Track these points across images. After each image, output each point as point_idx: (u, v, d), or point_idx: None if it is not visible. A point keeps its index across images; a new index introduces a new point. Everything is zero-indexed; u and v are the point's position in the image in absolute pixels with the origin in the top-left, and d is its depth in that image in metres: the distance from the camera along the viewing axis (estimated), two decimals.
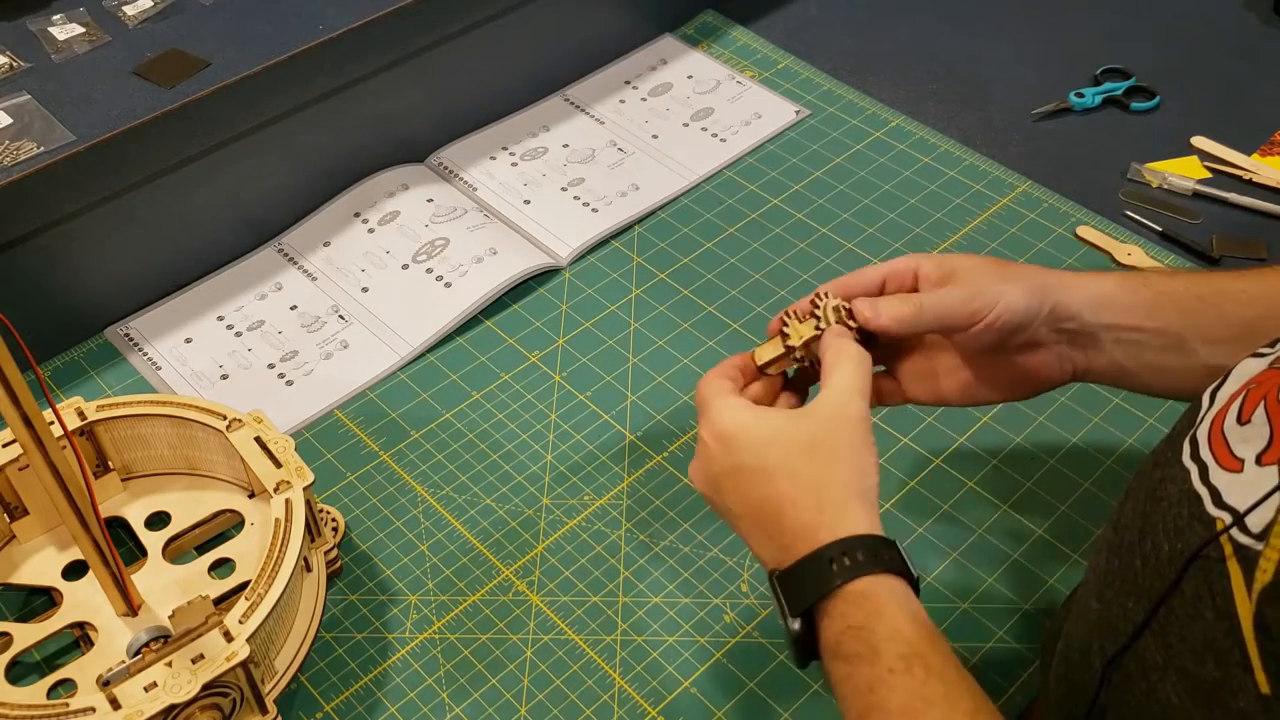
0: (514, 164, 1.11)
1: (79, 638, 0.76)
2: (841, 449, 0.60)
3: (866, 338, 0.66)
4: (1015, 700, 0.73)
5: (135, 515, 0.81)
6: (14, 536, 0.80)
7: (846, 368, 0.63)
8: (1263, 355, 0.54)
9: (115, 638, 0.74)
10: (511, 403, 0.92)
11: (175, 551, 0.80)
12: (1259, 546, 0.44)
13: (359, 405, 0.92)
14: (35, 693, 0.72)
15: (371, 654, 0.77)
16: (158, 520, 0.81)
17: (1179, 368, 0.69)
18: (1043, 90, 1.15)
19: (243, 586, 0.76)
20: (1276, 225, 1.02)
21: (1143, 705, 0.51)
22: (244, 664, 0.67)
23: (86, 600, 0.76)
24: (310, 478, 0.76)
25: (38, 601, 0.80)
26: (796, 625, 0.58)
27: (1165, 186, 1.05)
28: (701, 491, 0.65)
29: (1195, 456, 0.51)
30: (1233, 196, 1.04)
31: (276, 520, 0.73)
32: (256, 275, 1.02)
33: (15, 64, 0.95)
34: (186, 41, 0.96)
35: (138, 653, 0.72)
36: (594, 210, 1.06)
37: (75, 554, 0.78)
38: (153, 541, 0.79)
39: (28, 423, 0.63)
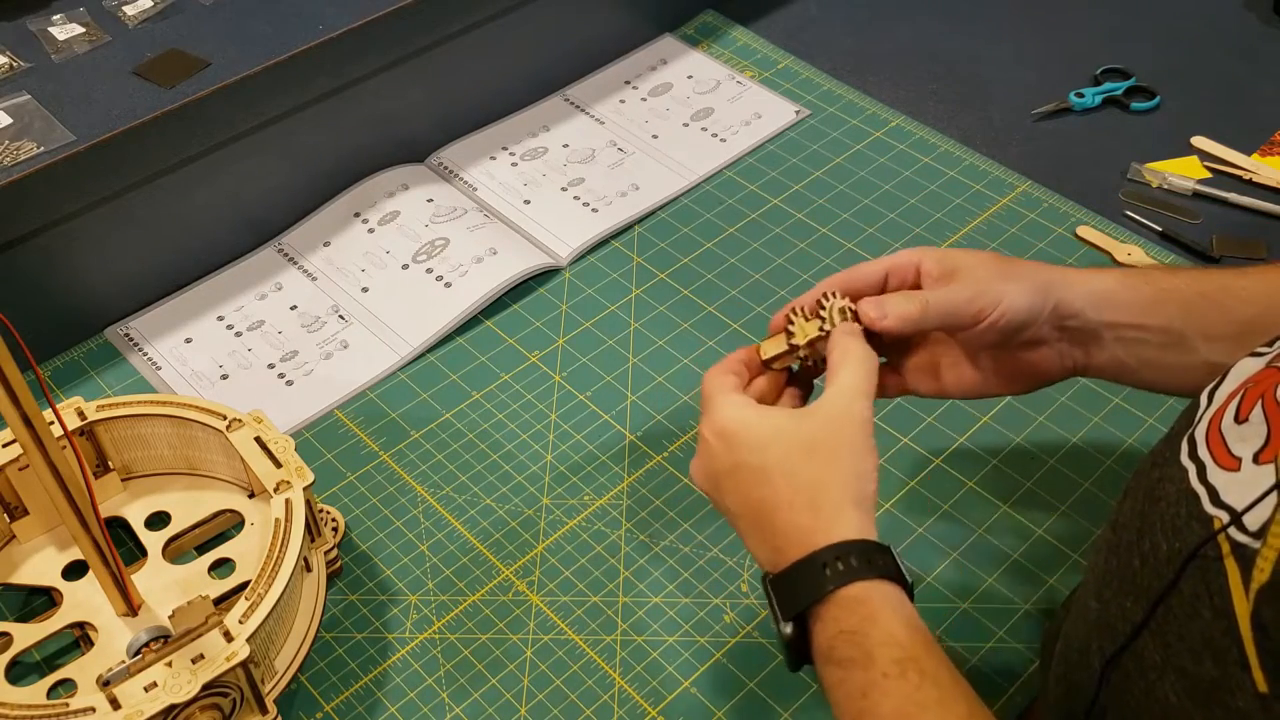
0: (514, 164, 1.11)
1: (79, 638, 0.76)
2: (841, 451, 0.60)
3: (870, 331, 0.66)
4: (1015, 700, 0.73)
5: (135, 515, 0.81)
6: (14, 536, 0.80)
7: (853, 368, 0.63)
8: (1261, 354, 0.54)
9: (115, 638, 0.74)
10: (511, 403, 0.92)
11: (175, 551, 0.80)
12: (1256, 545, 0.44)
13: (359, 405, 0.92)
14: (35, 693, 0.72)
15: (371, 654, 0.77)
16: (158, 520, 0.81)
17: (1179, 365, 0.69)
18: (1043, 90, 1.15)
19: (243, 586, 0.76)
20: (1276, 225, 1.02)
21: (1142, 705, 0.51)
22: (244, 664, 0.67)
23: (86, 600, 0.76)
24: (310, 478, 0.76)
25: (38, 601, 0.80)
26: (789, 630, 0.59)
27: (1165, 186, 1.05)
28: (702, 488, 0.65)
29: (1193, 455, 0.51)
30: (1233, 196, 1.04)
31: (276, 520, 0.73)
32: (256, 275, 1.02)
33: (15, 64, 0.95)
34: (186, 41, 0.96)
35: (138, 653, 0.72)
36: (594, 210, 1.06)
37: (75, 554, 0.78)
38: (153, 541, 0.79)
39: (28, 423, 0.63)
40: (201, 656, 0.66)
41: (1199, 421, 0.52)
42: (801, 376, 0.69)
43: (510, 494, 0.86)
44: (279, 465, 0.77)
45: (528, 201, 1.07)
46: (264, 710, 0.70)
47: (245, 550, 0.79)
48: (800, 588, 0.58)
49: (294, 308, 0.99)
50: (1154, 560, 0.50)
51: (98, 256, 0.94)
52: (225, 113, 0.94)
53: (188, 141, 0.93)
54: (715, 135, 1.13)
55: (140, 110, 0.90)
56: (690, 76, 1.20)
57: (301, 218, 1.05)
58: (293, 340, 0.96)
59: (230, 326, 0.98)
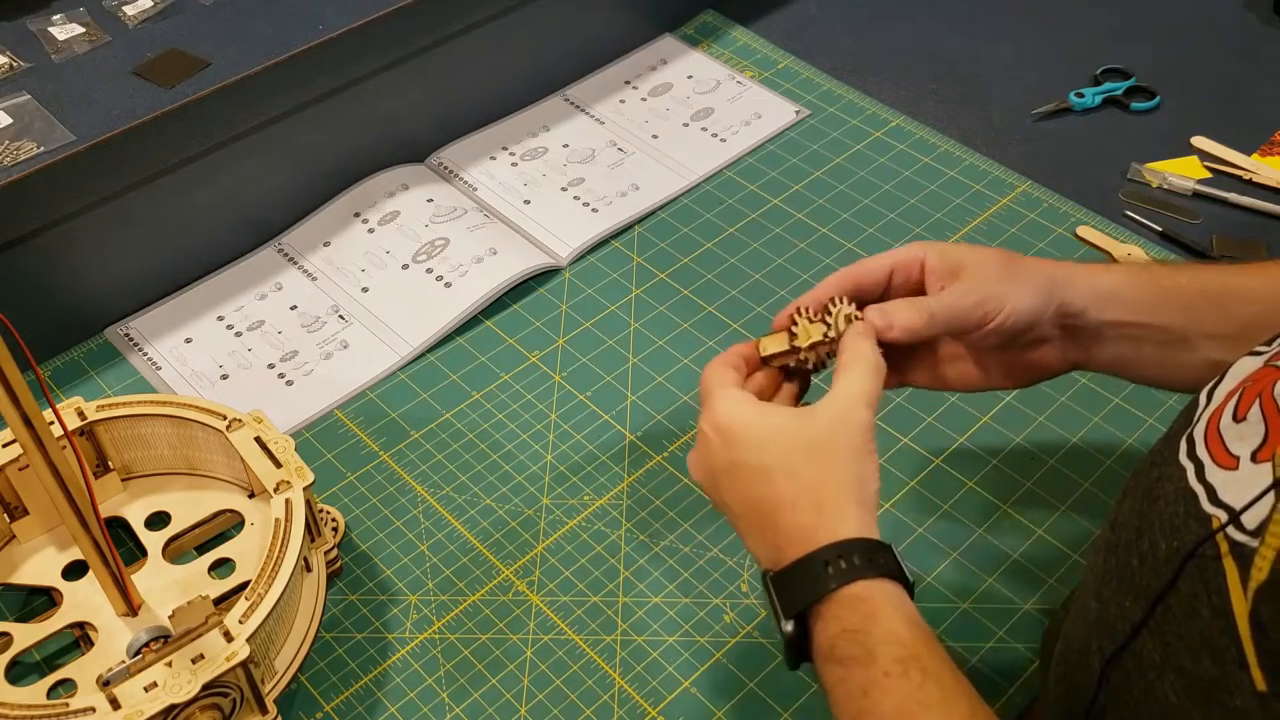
0: (514, 164, 1.11)
1: (79, 638, 0.76)
2: (842, 454, 0.60)
3: None
4: (1015, 700, 0.73)
5: (135, 515, 0.81)
6: (14, 536, 0.80)
7: (861, 373, 0.62)
8: (1259, 353, 0.54)
9: (115, 638, 0.74)
10: (511, 403, 0.92)
11: (175, 551, 0.80)
12: (1254, 543, 0.44)
13: (359, 405, 0.92)
14: (35, 693, 0.72)
15: (371, 654, 0.77)
16: (158, 520, 0.81)
17: (1180, 363, 0.69)
18: (1043, 90, 1.15)
19: (243, 586, 0.76)
20: (1276, 225, 1.02)
21: (1141, 704, 0.51)
22: (244, 664, 0.67)
23: (86, 600, 0.76)
24: (310, 478, 0.76)
25: (38, 601, 0.80)
26: (790, 627, 0.58)
27: (1165, 186, 1.05)
28: (699, 483, 0.65)
29: (1191, 454, 0.51)
30: (1233, 196, 1.04)
31: (276, 520, 0.73)
32: (256, 275, 1.02)
33: (15, 64, 0.95)
34: (186, 41, 0.96)
35: (138, 653, 0.72)
36: (594, 210, 1.06)
37: (75, 554, 0.78)
38: (153, 541, 0.79)
39: (28, 423, 0.63)
40: (201, 656, 0.66)
41: (1197, 420, 0.52)
42: (799, 372, 0.69)
43: (510, 494, 0.86)
44: (279, 465, 0.77)
45: (528, 201, 1.07)
46: (264, 710, 0.70)
47: (245, 550, 0.79)
48: (802, 586, 0.58)
49: (294, 308, 0.99)
50: (1153, 559, 0.50)
51: (98, 256, 0.94)
52: (225, 113, 0.94)
53: (188, 141, 0.93)
54: (715, 135, 1.13)
55: (140, 110, 0.90)
56: (690, 76, 1.20)
57: (301, 218, 1.05)
58: (293, 340, 0.96)
59: (230, 326, 0.98)
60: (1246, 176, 1.06)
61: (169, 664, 0.66)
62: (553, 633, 0.78)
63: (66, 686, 0.73)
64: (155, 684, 0.65)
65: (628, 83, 1.20)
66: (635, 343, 0.96)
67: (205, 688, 0.66)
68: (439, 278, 1.00)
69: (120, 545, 0.81)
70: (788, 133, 1.13)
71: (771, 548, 0.60)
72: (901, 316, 0.65)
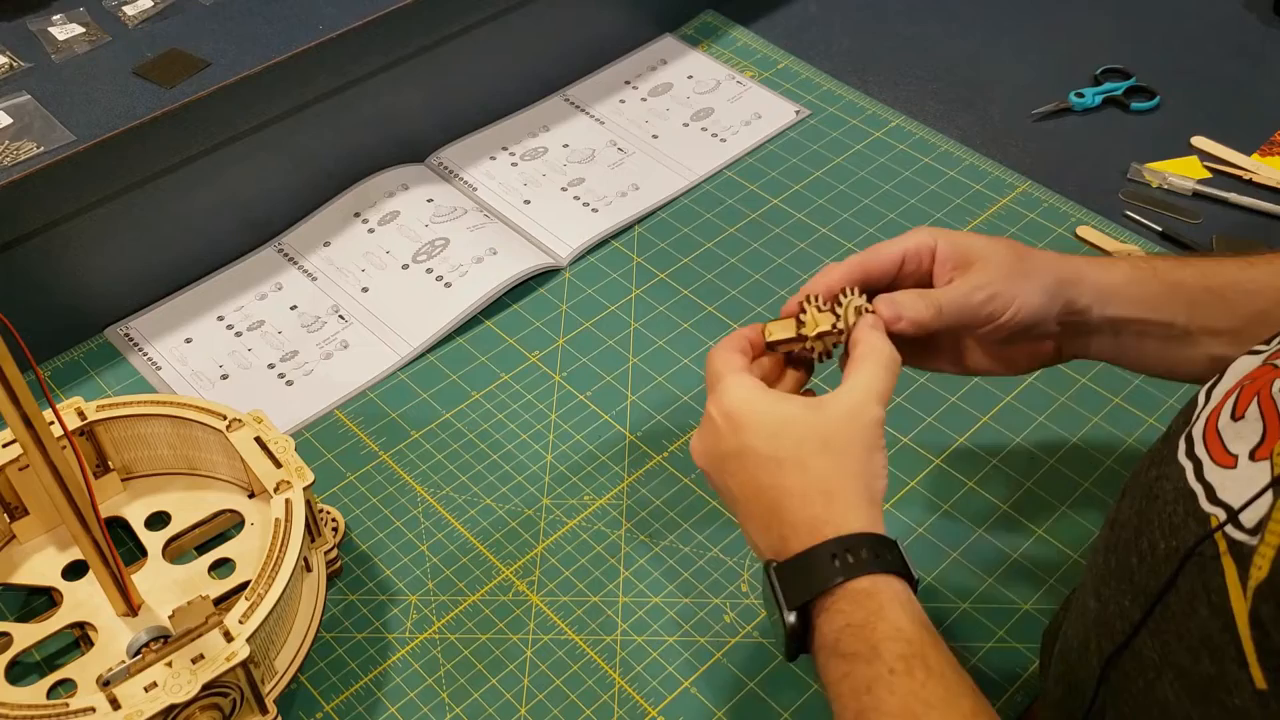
0: (514, 164, 1.11)
1: (79, 638, 0.76)
2: (853, 448, 0.60)
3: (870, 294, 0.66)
4: (1015, 700, 0.73)
5: (135, 515, 0.81)
6: (14, 536, 0.80)
7: (874, 368, 0.62)
8: (1258, 352, 0.54)
9: (115, 638, 0.74)
10: (511, 403, 0.92)
11: (175, 551, 0.80)
12: (1253, 542, 0.44)
13: (359, 405, 0.92)
14: (35, 693, 0.72)
15: (371, 654, 0.77)
16: (158, 520, 0.81)
17: (1182, 357, 0.69)
18: (1043, 90, 1.15)
19: (243, 586, 0.76)
20: (1276, 225, 1.02)
21: (1140, 703, 0.51)
22: (244, 664, 0.67)
23: (86, 600, 0.76)
24: (310, 478, 0.76)
25: (38, 601, 0.80)
26: (792, 618, 0.58)
27: (1165, 186, 1.05)
28: (701, 467, 0.64)
29: (1190, 454, 0.51)
30: (1233, 196, 1.04)
31: (276, 520, 0.73)
32: (256, 275, 1.02)
33: (15, 64, 0.95)
34: (186, 41, 0.96)
35: (138, 653, 0.72)
36: (594, 210, 1.06)
37: (75, 554, 0.78)
38: (153, 541, 0.79)
39: (28, 423, 0.63)
40: (201, 656, 0.66)
41: (1196, 419, 0.52)
42: (802, 359, 0.68)
43: (510, 494, 0.86)
44: (279, 465, 0.77)
45: (528, 201, 1.07)
46: (264, 710, 0.70)
47: (245, 550, 0.79)
48: (808, 577, 0.58)
49: (294, 308, 0.99)
50: (1152, 558, 0.50)
51: (98, 256, 0.94)
52: (225, 113, 0.94)
53: (188, 141, 0.93)
54: (715, 135, 1.13)
55: (140, 110, 0.90)
56: (690, 76, 1.20)
57: (301, 218, 1.05)
58: (293, 340, 0.97)
59: (230, 326, 0.98)
60: (1246, 176, 1.06)
61: (169, 664, 0.66)
62: (553, 633, 0.78)
63: (66, 686, 0.73)
64: (155, 684, 0.65)
65: (628, 83, 1.20)
66: (635, 343, 0.96)
67: (205, 688, 0.66)
68: (439, 278, 1.00)
69: (120, 545, 0.81)
70: (788, 133, 1.13)
71: (776, 538, 0.60)
72: (911, 310, 0.64)
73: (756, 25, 1.26)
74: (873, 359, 0.62)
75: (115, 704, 0.65)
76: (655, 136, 1.13)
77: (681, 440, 0.88)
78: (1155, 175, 1.06)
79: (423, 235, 1.03)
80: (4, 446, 0.77)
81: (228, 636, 0.67)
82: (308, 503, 0.75)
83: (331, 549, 0.80)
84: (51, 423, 0.65)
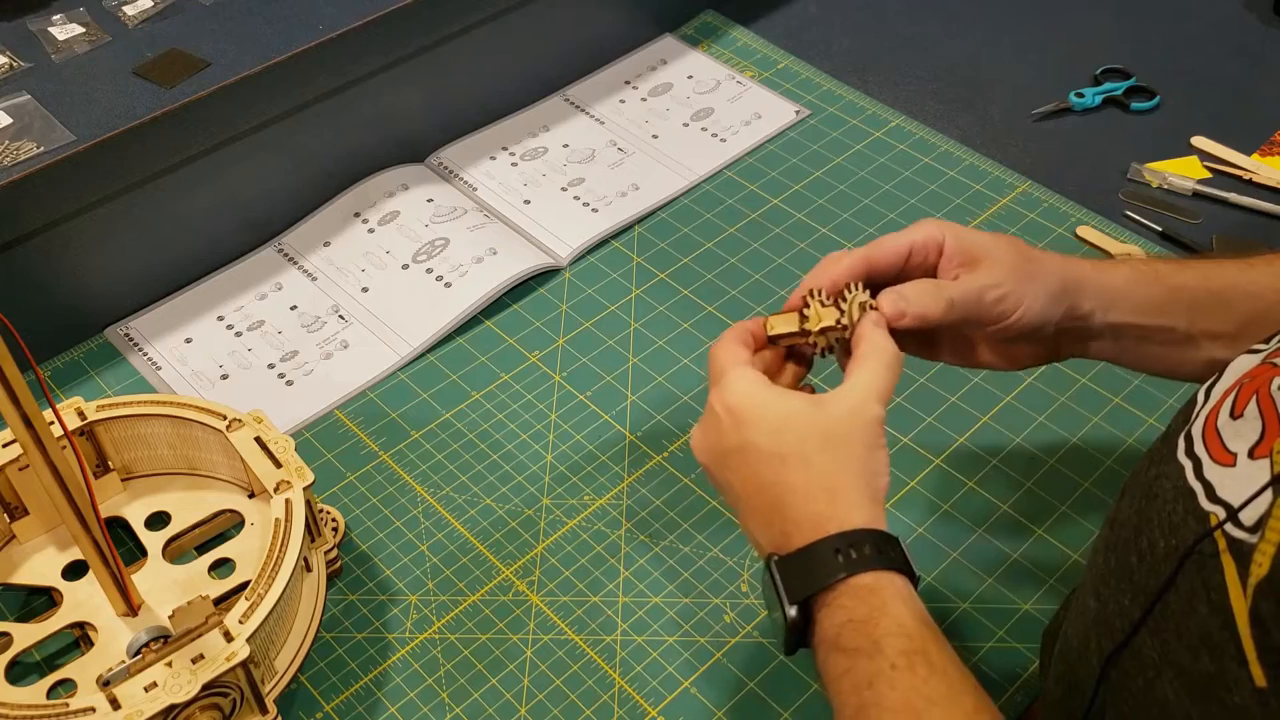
0: (514, 164, 1.11)
1: (79, 638, 0.76)
2: (854, 446, 0.60)
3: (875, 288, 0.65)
4: (1015, 700, 0.73)
5: (135, 515, 0.81)
6: (14, 536, 0.80)
7: (875, 366, 0.61)
8: (1258, 351, 0.54)
9: (115, 638, 0.74)
10: (511, 403, 0.92)
11: (175, 551, 0.80)
12: (1253, 540, 0.44)
13: (359, 405, 0.92)
14: (35, 693, 0.72)
15: (371, 654, 0.77)
16: (158, 520, 0.81)
17: (1182, 360, 0.69)
18: (1043, 90, 1.15)
19: (243, 586, 0.76)
20: (1276, 225, 1.02)
21: (1140, 702, 0.51)
22: (244, 664, 0.67)
23: (86, 600, 0.76)
24: (310, 478, 0.76)
25: (38, 601, 0.80)
26: (794, 613, 0.58)
27: (1165, 186, 1.05)
28: (702, 462, 0.64)
29: (1190, 452, 0.51)
30: (1233, 196, 1.04)
31: (276, 520, 0.73)
32: (256, 275, 1.02)
33: (15, 64, 0.95)
34: (186, 41, 0.96)
35: (138, 653, 0.72)
36: (594, 210, 1.06)
37: (75, 554, 0.78)
38: (153, 541, 0.79)
39: (28, 423, 0.63)
40: (201, 656, 0.66)
41: (1195, 418, 0.52)
42: (803, 354, 0.68)
43: (510, 494, 0.86)
44: (279, 465, 0.77)
45: (528, 201, 1.07)
46: (264, 710, 0.70)
47: (245, 550, 0.79)
48: (810, 572, 0.58)
49: (294, 308, 0.99)
50: (1151, 557, 0.50)
51: (98, 256, 0.94)
52: (225, 113, 0.94)
53: (188, 141, 0.93)
54: (715, 135, 1.13)
55: (140, 110, 0.90)
56: (690, 76, 1.20)
57: (301, 218, 1.05)
58: (293, 340, 0.97)
59: (230, 326, 0.98)
60: (1246, 176, 1.06)
61: (169, 664, 0.66)
62: (553, 633, 0.78)
63: (66, 686, 0.73)
64: (155, 684, 0.65)
65: (628, 83, 1.20)
66: (635, 343, 0.96)
67: (205, 688, 0.66)
68: (439, 278, 1.00)
69: (120, 545, 0.81)
70: (788, 133, 1.13)
71: (778, 533, 0.60)
72: (919, 305, 0.64)
73: (756, 25, 1.26)
74: (874, 357, 0.62)
75: (115, 704, 0.65)
76: (655, 136, 1.13)
77: (681, 440, 0.88)
78: (1155, 175, 1.06)
79: (423, 235, 1.03)
80: (4, 446, 0.77)
81: (228, 636, 0.67)
82: (308, 503, 0.75)
83: (331, 549, 0.80)
84: (51, 423, 0.65)
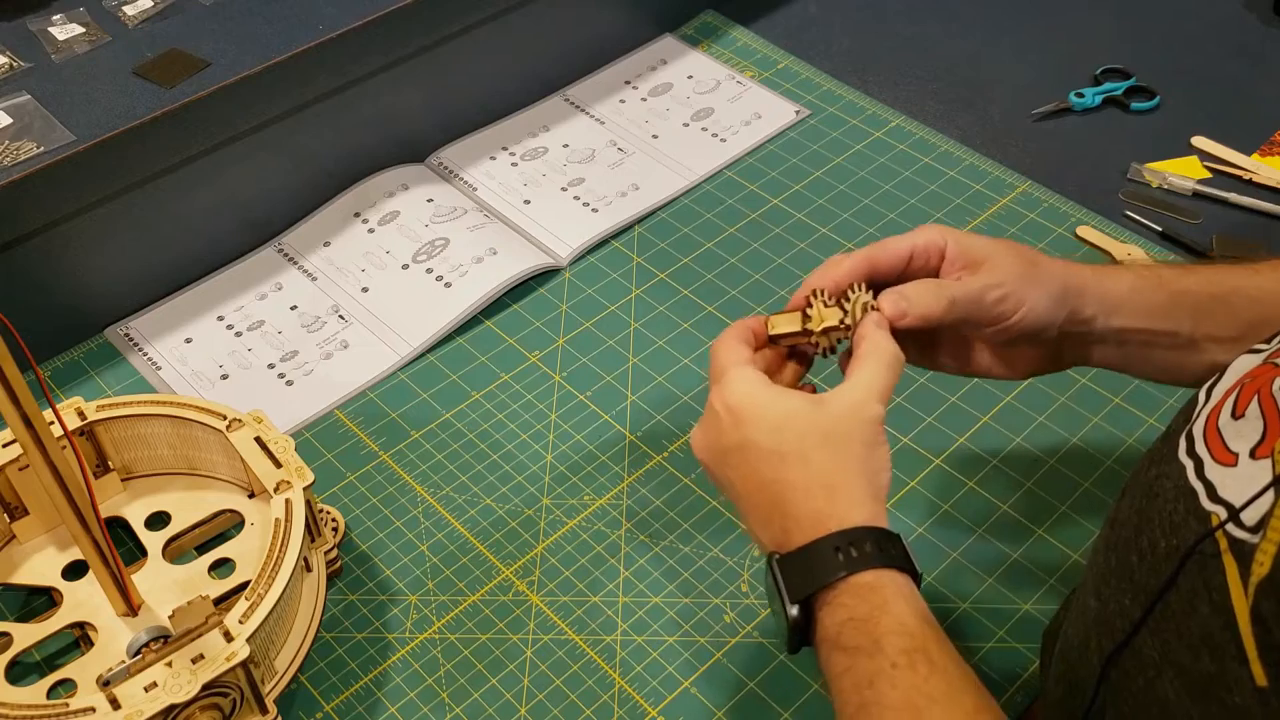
0: (514, 164, 1.11)
1: (79, 638, 0.76)
2: (854, 444, 0.60)
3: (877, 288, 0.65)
4: (1015, 700, 0.73)
5: (135, 515, 0.81)
6: (14, 536, 0.80)
7: (876, 366, 0.61)
8: (1259, 351, 0.54)
9: (115, 638, 0.74)
10: (511, 403, 0.92)
11: (175, 551, 0.80)
12: (1255, 539, 0.44)
13: (359, 405, 0.92)
14: (35, 693, 0.72)
15: (371, 654, 0.77)
16: (158, 520, 0.81)
17: (1184, 365, 0.69)
18: (1043, 90, 1.15)
19: (243, 586, 0.76)
20: (1276, 225, 1.02)
21: (1140, 702, 0.51)
22: (244, 664, 0.67)
23: (86, 600, 0.76)
24: (310, 478, 0.76)
25: (38, 601, 0.80)
26: (795, 611, 0.58)
27: (1165, 186, 1.05)
28: (701, 460, 0.64)
29: (1191, 452, 0.51)
30: (1233, 196, 1.04)
31: (276, 520, 0.73)
32: (256, 275, 1.02)
33: (15, 64, 0.95)
34: (186, 41, 0.96)
35: (138, 653, 0.72)
36: (594, 210, 1.06)
37: (75, 554, 0.78)
38: (153, 541, 0.79)
39: (28, 423, 0.63)
40: (201, 656, 0.66)
41: (1196, 418, 0.52)
42: (803, 353, 0.68)
43: (510, 494, 0.86)
44: (279, 465, 0.77)
45: (528, 201, 1.07)
46: (264, 710, 0.70)
47: (245, 550, 0.79)
48: (811, 570, 0.58)
49: (294, 308, 0.99)
50: (1152, 557, 0.50)
51: (98, 256, 0.94)
52: (225, 113, 0.94)
53: (188, 141, 0.93)
54: (715, 135, 1.13)
55: (140, 110, 0.90)
56: (690, 76, 1.20)
57: (301, 218, 1.05)
58: (293, 340, 0.96)
59: (230, 326, 0.98)
60: (1246, 176, 1.06)
61: (169, 664, 0.66)
62: (553, 633, 0.78)
63: (66, 686, 0.72)
64: (155, 684, 0.65)
65: (628, 83, 1.20)
66: (635, 343, 0.96)
67: (205, 688, 0.66)
68: (439, 278, 1.00)
69: (120, 545, 0.81)
70: (788, 133, 1.13)
71: (779, 531, 0.60)
72: (920, 304, 0.64)
73: (756, 25, 1.26)
74: (875, 357, 0.62)
75: (115, 704, 0.65)
76: (655, 136, 1.13)
77: (681, 440, 0.88)
78: (1155, 175, 1.06)
79: (423, 235, 1.03)
80: (4, 446, 0.77)
81: (228, 636, 0.67)
82: (308, 503, 0.75)
83: (331, 549, 0.80)
84: (51, 423, 0.65)
